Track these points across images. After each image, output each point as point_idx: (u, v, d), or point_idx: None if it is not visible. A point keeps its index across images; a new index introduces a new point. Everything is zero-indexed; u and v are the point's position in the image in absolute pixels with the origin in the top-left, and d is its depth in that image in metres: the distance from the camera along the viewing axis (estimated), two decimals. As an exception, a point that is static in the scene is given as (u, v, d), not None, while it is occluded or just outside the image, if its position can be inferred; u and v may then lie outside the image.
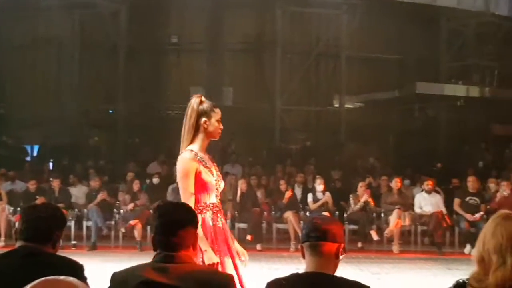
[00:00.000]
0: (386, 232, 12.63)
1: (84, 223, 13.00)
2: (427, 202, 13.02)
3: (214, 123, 4.52)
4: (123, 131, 19.40)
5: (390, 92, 20.80)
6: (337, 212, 13.47)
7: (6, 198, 13.27)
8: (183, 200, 4.33)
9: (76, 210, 13.40)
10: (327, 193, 13.54)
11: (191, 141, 4.50)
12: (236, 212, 13.15)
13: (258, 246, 12.56)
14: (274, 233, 13.05)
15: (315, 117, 21.35)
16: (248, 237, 12.75)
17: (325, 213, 12.31)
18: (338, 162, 17.86)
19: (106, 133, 20.68)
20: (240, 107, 19.48)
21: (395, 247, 12.51)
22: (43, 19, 19.33)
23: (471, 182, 13.15)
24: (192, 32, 20.27)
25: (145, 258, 3.03)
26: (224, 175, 15.43)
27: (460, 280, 2.75)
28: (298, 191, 14.08)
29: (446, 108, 20.79)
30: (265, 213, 13.31)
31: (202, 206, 4.40)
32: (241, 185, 13.38)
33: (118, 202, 13.44)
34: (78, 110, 19.41)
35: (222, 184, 4.60)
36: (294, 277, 3.06)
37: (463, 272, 2.77)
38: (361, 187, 13.36)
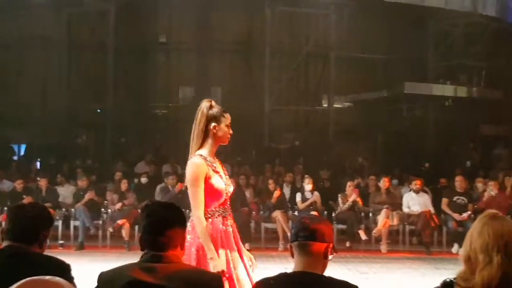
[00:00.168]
0: (374, 231, 12.65)
1: (72, 223, 12.92)
2: (415, 201, 13.05)
3: (223, 128, 4.50)
4: (111, 130, 19.34)
5: (378, 92, 20.87)
6: (325, 212, 13.48)
7: (-7, 197, 13.20)
8: (192, 204, 4.36)
9: (63, 209, 13.33)
10: (316, 193, 13.55)
11: (200, 146, 4.47)
12: (224, 211, 13.10)
13: (247, 246, 12.49)
14: (262, 232, 13.04)
15: (304, 117, 21.38)
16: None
17: (314, 213, 12.32)
18: (327, 162, 17.88)
19: (94, 132, 20.63)
20: (229, 107, 19.42)
21: (383, 247, 12.54)
22: (31, 17, 19.23)
23: (459, 182, 13.21)
24: (181, 31, 20.25)
25: (133, 257, 3.02)
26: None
27: (448, 280, 2.75)
28: (287, 191, 14.07)
29: (434, 108, 20.88)
30: (253, 212, 13.30)
31: (212, 210, 4.40)
32: (230, 185, 13.34)
33: (106, 201, 13.39)
34: (66, 109, 19.33)
35: (231, 188, 4.59)
36: (283, 276, 3.06)
37: (451, 272, 2.78)
38: (349, 186, 13.38)
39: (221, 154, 17.54)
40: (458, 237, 11.99)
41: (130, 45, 19.87)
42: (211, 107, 4.50)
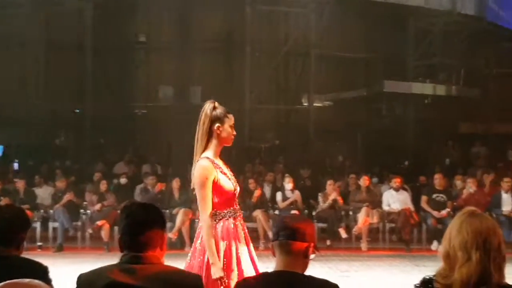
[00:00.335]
0: (354, 229, 12.71)
1: (50, 224, 12.84)
2: (395, 199, 13.13)
3: (227, 128, 4.49)
4: (90, 131, 19.20)
5: (358, 90, 20.94)
6: (306, 211, 13.51)
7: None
8: (200, 208, 4.34)
9: (41, 211, 13.24)
10: (296, 192, 13.56)
11: (205, 147, 4.45)
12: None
13: (227, 245, 12.52)
14: (243, 232, 13.02)
15: (284, 115, 21.39)
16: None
17: (294, 212, 12.35)
18: (307, 161, 17.91)
19: (72, 133, 20.48)
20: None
21: (364, 245, 12.60)
22: (8, 17, 19.04)
23: (438, 180, 13.30)
24: (160, 30, 20.17)
25: (113, 259, 3.00)
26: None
27: (427, 277, 2.76)
28: (267, 190, 14.08)
29: (413, 107, 20.97)
30: (234, 212, 13.27)
31: (224, 213, 4.38)
32: (210, 185, 13.32)
33: (85, 202, 13.31)
34: (44, 110, 19.16)
35: (238, 188, 4.58)
36: (263, 276, 3.06)
37: (430, 269, 2.79)
38: (329, 185, 13.42)
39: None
40: (437, 234, 12.08)
41: (109, 45, 19.75)
42: (214, 108, 4.49)
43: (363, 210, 12.67)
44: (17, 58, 19.68)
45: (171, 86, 18.49)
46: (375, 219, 12.82)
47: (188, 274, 2.95)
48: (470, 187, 13.13)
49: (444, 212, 12.67)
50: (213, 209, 4.33)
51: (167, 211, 12.47)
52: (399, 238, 13.11)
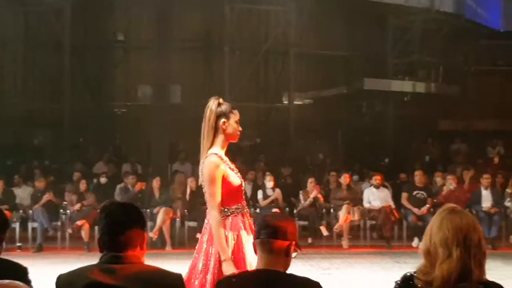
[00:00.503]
0: (335, 227, 12.73)
1: (30, 225, 12.72)
2: (375, 196, 13.17)
3: (233, 124, 4.47)
4: (69, 130, 19.05)
5: (338, 88, 21.00)
6: (287, 208, 13.52)
7: None
8: (210, 205, 4.32)
9: (20, 211, 13.13)
10: (277, 190, 13.56)
11: (212, 143, 4.44)
12: (185, 210, 13.07)
13: (208, 244, 12.49)
14: (224, 231, 12.99)
15: (265, 114, 21.39)
16: (198, 235, 12.65)
17: (275, 210, 12.35)
18: (288, 159, 17.93)
19: (51, 132, 20.31)
20: (189, 104, 19.37)
21: (345, 242, 12.63)
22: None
23: (418, 177, 13.37)
24: (139, 29, 20.08)
25: (93, 259, 2.97)
26: (173, 173, 15.36)
27: (408, 273, 2.77)
28: (248, 188, 14.06)
29: (393, 104, 21.08)
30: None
31: (233, 209, 4.37)
32: (191, 183, 13.31)
33: (64, 202, 13.22)
34: (22, 109, 19.01)
35: (244, 184, 4.57)
36: (245, 274, 3.05)
37: (411, 265, 2.80)
38: (310, 183, 13.43)
39: (181, 153, 17.43)
40: (418, 231, 12.14)
41: (88, 43, 19.63)
42: (219, 104, 4.48)
43: (344, 208, 12.70)
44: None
45: (150, 85, 18.39)
46: (356, 217, 12.86)
47: (168, 273, 2.92)
48: (450, 184, 13.22)
49: (424, 209, 12.74)
50: (222, 205, 4.33)
51: (148, 210, 12.43)
52: (380, 235, 13.18)
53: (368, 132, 20.57)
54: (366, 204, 13.14)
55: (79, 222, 12.35)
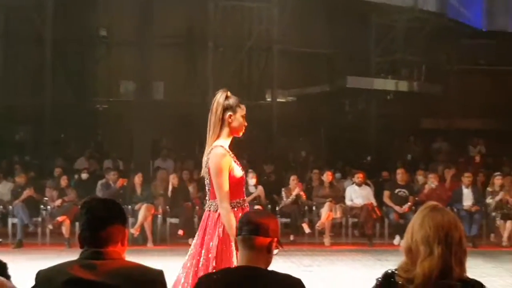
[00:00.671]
0: (317, 224, 12.75)
1: (10, 220, 12.64)
2: (357, 194, 13.21)
3: (239, 118, 4.49)
4: (50, 125, 18.91)
5: (321, 86, 21.03)
6: (269, 206, 13.52)
7: None
8: (218, 197, 4.33)
9: (1, 207, 13.07)
10: (260, 187, 13.56)
11: (217, 136, 4.44)
12: (167, 207, 13.04)
13: (190, 241, 12.37)
14: (206, 227, 12.96)
15: (248, 111, 21.21)
16: (180, 232, 12.68)
17: (258, 207, 12.35)
18: (271, 156, 17.93)
19: (32, 127, 20.16)
20: (171, 101, 19.33)
21: (327, 240, 12.66)
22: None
23: (400, 175, 13.43)
24: (122, 25, 19.94)
25: (74, 255, 2.94)
26: (155, 170, 15.31)
27: (389, 271, 2.77)
28: (231, 185, 14.04)
29: (375, 102, 21.15)
30: (197, 207, 13.23)
31: (233, 203, 4.37)
32: (173, 180, 13.28)
33: (45, 198, 13.14)
34: (3, 104, 18.83)
35: (245, 178, 4.58)
36: (226, 271, 3.04)
37: (392, 263, 2.80)
38: (293, 180, 13.45)
39: (164, 149, 17.33)
40: (399, 229, 12.18)
41: (69, 38, 19.48)
42: (227, 97, 4.49)
43: (326, 205, 12.73)
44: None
45: (132, 81, 18.30)
46: (338, 214, 12.89)
47: (149, 269, 2.90)
48: (432, 182, 13.29)
49: (406, 207, 12.80)
50: None
51: (129, 206, 12.38)
52: (361, 233, 13.22)
53: (350, 130, 20.63)
54: (348, 202, 13.18)
55: (59, 218, 12.28)
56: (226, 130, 4.46)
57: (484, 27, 22.52)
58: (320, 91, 21.03)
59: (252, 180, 13.48)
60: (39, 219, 12.69)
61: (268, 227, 3.02)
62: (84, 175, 14.30)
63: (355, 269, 10.06)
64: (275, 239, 3.04)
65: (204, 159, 4.46)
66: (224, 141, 4.46)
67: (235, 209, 4.38)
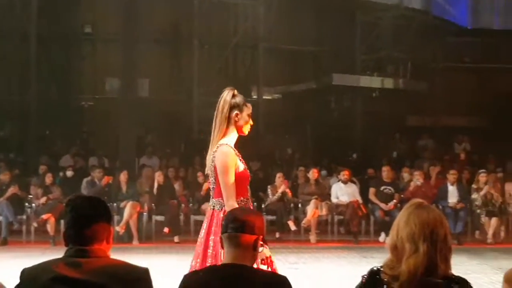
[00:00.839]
0: (303, 222, 12.77)
1: (-6, 218, 12.56)
2: (343, 192, 13.24)
3: (245, 117, 4.48)
4: (35, 122, 18.80)
5: (307, 83, 21.04)
6: (255, 203, 13.50)
7: None
8: (225, 195, 4.31)
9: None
10: (245, 184, 13.53)
11: (224, 134, 4.44)
12: (153, 204, 13.01)
13: (176, 239, 12.47)
14: (192, 225, 12.96)
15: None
16: (166, 230, 12.66)
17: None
18: (256, 153, 17.91)
19: (17, 124, 20.02)
20: (157, 98, 19.27)
21: (312, 237, 12.68)
22: None
23: (386, 172, 13.47)
24: (107, 22, 19.85)
25: (59, 253, 2.93)
26: (141, 167, 15.27)
27: (374, 268, 2.78)
28: (217, 183, 14.04)
29: (361, 100, 21.20)
30: (182, 205, 13.22)
31: (244, 201, 4.37)
32: (158, 177, 13.25)
33: (30, 196, 13.07)
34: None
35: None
36: (211, 268, 3.04)
37: (378, 260, 2.81)
38: (278, 177, 13.46)
39: (149, 147, 17.28)
40: (385, 226, 12.24)
41: (55, 35, 19.35)
42: (234, 95, 4.47)
43: (312, 203, 12.74)
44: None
45: (118, 78, 18.21)
46: (323, 212, 12.91)
47: (135, 267, 2.89)
48: (417, 179, 13.33)
49: (391, 204, 12.84)
50: None
51: (115, 204, 12.35)
52: (347, 230, 13.25)
53: (336, 127, 20.67)
54: (334, 199, 13.21)
55: (44, 216, 12.22)
56: (232, 129, 4.47)
57: (469, 25, 22.67)
58: (306, 89, 21.04)
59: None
60: (24, 216, 12.61)
61: (254, 225, 3.02)
62: (69, 173, 14.23)
63: (340, 266, 10.09)
64: (261, 236, 3.04)
65: (210, 157, 4.46)
66: (230, 140, 4.47)
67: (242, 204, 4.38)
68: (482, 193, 12.88)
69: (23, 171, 15.30)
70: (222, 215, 4.35)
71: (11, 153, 17.94)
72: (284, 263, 10.13)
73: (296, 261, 10.47)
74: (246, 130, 4.55)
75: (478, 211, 12.89)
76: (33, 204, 12.73)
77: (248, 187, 4.54)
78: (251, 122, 4.55)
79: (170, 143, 18.79)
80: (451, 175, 13.25)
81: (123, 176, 13.04)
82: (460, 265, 8.85)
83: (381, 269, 2.74)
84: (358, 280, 2.81)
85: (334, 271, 9.64)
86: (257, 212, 3.47)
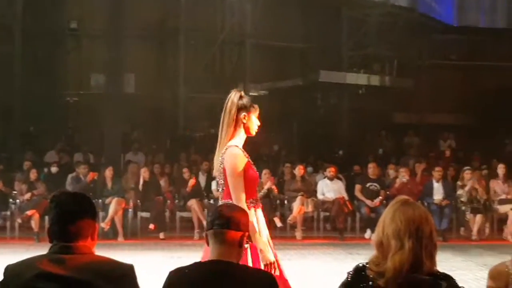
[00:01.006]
0: (289, 218, 12.78)
1: (-22, 214, 12.49)
2: (329, 188, 13.26)
3: (252, 117, 4.49)
4: (20, 118, 18.68)
5: (293, 80, 21.06)
6: (241, 200, 13.50)
7: None
8: (235, 196, 4.31)
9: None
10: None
11: (231, 136, 4.44)
12: (138, 201, 12.96)
13: (161, 235, 12.44)
14: (177, 221, 12.95)
15: (219, 104, 20.95)
16: (151, 226, 12.63)
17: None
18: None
19: (1, 120, 19.87)
20: (142, 94, 19.20)
21: (298, 233, 12.69)
22: None
23: (372, 169, 13.52)
24: (92, 17, 19.75)
25: (43, 249, 2.91)
26: (126, 163, 15.21)
27: (360, 264, 2.78)
28: (203, 179, 14.03)
29: (348, 97, 21.24)
30: (168, 201, 13.20)
31: (247, 203, 4.35)
32: (144, 174, 13.20)
33: (14, 192, 12.99)
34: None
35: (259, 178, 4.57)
36: (197, 265, 3.03)
37: (364, 257, 2.81)
38: (265, 174, 13.44)
39: (135, 143, 17.18)
40: (370, 223, 12.28)
41: (40, 30, 19.21)
42: (241, 97, 4.48)
43: (298, 199, 12.75)
44: None
45: (103, 73, 18.13)
46: (309, 208, 12.92)
47: (119, 264, 2.88)
48: (403, 176, 13.37)
49: (377, 201, 12.88)
50: None
51: (100, 200, 12.30)
52: (333, 226, 13.27)
53: (322, 124, 20.70)
54: (320, 196, 13.22)
55: (29, 212, 12.16)
56: (240, 130, 4.48)
57: (455, 23, 22.78)
58: (292, 85, 21.05)
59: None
60: (8, 212, 12.55)
61: (240, 221, 3.02)
62: (54, 169, 14.15)
63: (326, 262, 10.10)
64: (246, 233, 3.03)
65: (218, 159, 4.45)
66: (239, 141, 4.48)
67: (249, 208, 4.37)
68: (466, 188, 12.94)
69: (7, 167, 15.18)
70: None
71: (-5, 149, 17.82)
72: (270, 259, 10.12)
73: (281, 257, 10.40)
74: (254, 130, 4.57)
75: (463, 208, 12.95)
76: (17, 200, 12.66)
77: (257, 188, 4.54)
78: (258, 122, 4.55)
79: (156, 139, 18.74)
80: (437, 172, 13.30)
81: (108, 172, 12.99)
82: (445, 262, 8.88)
83: (367, 265, 2.74)
84: (343, 277, 2.81)
85: (320, 268, 9.66)
86: (243, 209, 3.47)
